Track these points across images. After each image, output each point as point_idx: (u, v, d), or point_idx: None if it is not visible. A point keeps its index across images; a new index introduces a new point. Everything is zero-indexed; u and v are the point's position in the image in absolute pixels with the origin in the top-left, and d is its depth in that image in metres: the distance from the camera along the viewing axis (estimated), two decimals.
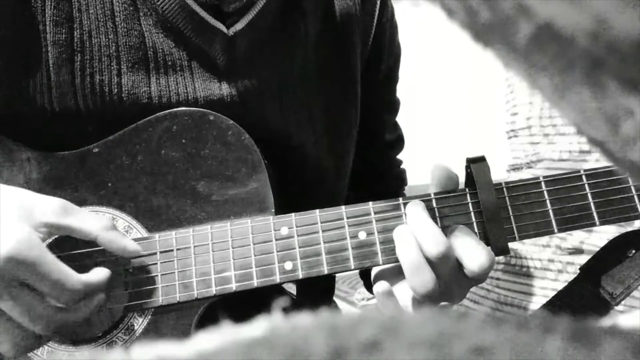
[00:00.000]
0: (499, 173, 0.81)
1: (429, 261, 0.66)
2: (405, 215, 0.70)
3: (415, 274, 0.66)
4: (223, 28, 0.75)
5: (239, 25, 0.76)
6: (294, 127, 0.81)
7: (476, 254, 0.66)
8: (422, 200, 0.71)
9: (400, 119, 1.01)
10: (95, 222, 0.65)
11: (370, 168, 0.96)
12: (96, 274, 0.64)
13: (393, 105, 1.00)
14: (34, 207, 0.63)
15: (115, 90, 0.73)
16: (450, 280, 0.67)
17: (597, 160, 0.98)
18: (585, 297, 0.73)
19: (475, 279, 0.68)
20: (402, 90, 0.99)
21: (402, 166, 1.02)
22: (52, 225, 0.63)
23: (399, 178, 1.02)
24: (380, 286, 0.69)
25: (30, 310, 0.60)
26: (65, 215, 0.64)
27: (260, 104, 0.78)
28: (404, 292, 0.71)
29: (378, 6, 0.89)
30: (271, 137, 0.76)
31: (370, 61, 0.91)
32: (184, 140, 0.73)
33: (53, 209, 0.63)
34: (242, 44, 0.77)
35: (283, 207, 0.74)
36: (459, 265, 0.67)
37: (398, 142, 1.01)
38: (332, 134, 0.86)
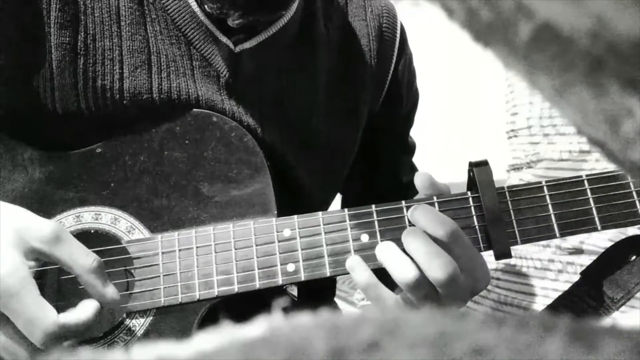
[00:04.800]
0: (499, 173, 0.81)
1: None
2: (407, 217, 0.70)
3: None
4: (229, 43, 0.76)
5: (247, 44, 0.76)
6: (292, 154, 0.81)
7: (436, 222, 0.67)
8: (425, 203, 0.71)
9: None
10: (82, 260, 0.63)
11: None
12: (77, 314, 0.62)
13: (409, 148, 1.02)
14: (26, 231, 0.61)
15: (117, 94, 0.73)
16: (467, 262, 0.67)
17: (597, 160, 0.98)
18: (585, 301, 0.73)
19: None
20: None
21: None
22: (41, 252, 0.62)
23: None
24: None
25: (8, 345, 0.60)
26: (55, 245, 0.62)
27: (260, 125, 0.78)
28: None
29: (395, 55, 0.89)
30: (267, 159, 0.76)
31: (388, 107, 0.91)
32: (187, 142, 0.73)
33: (44, 236, 0.62)
34: (247, 63, 0.77)
35: (285, 208, 0.74)
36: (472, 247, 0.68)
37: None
38: (328, 168, 0.86)
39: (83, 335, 0.64)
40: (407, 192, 0.98)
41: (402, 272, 0.65)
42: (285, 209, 0.74)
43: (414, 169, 1.02)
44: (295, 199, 0.81)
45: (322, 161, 0.85)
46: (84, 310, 0.62)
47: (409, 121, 0.99)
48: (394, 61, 0.90)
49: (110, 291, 0.64)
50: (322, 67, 0.83)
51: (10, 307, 0.59)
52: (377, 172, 0.95)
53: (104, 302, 0.64)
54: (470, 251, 0.67)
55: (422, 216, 0.68)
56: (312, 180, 0.84)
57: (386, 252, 0.68)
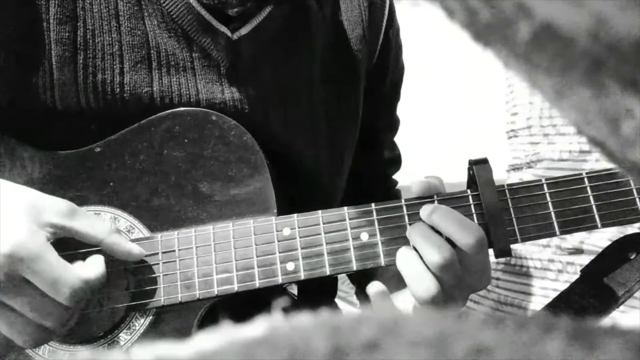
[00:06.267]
0: (499, 173, 0.81)
1: (431, 271, 0.66)
2: (407, 216, 0.70)
3: (418, 283, 0.66)
4: (227, 32, 0.75)
5: (243, 30, 0.76)
6: (296, 137, 0.81)
7: (465, 227, 0.67)
8: (424, 202, 0.71)
9: (400, 118, 1.01)
10: (101, 226, 0.66)
11: (364, 184, 0.95)
12: (95, 269, 0.65)
13: (393, 124, 1.00)
14: (41, 207, 0.63)
15: (118, 89, 0.73)
16: (452, 286, 0.67)
17: (597, 160, 0.98)
18: (585, 299, 0.73)
19: (473, 269, 0.68)
20: (402, 90, 0.99)
21: (397, 187, 1.02)
22: (58, 226, 0.63)
23: (394, 198, 1.00)
24: (374, 287, 0.69)
25: (37, 306, 0.61)
26: (72, 217, 0.64)
27: (263, 111, 0.78)
28: (404, 300, 0.71)
29: (384, 26, 0.89)
30: (272, 145, 0.76)
31: (374, 79, 0.91)
32: (186, 140, 0.73)
33: (60, 210, 0.64)
34: (246, 50, 0.77)
35: (284, 207, 0.74)
36: (460, 271, 0.67)
37: (396, 161, 1.01)
38: (333, 148, 0.86)
39: (98, 290, 0.67)
40: (388, 168, 0.98)
41: (421, 291, 0.66)
42: (290, 199, 0.74)
43: (395, 147, 1.01)
44: (301, 187, 0.81)
45: (327, 141, 0.84)
46: (97, 263, 0.66)
47: (394, 95, 0.98)
48: (383, 30, 0.89)
49: (134, 246, 0.68)
50: (317, 43, 0.83)
51: (35, 269, 0.60)
52: (359, 146, 0.93)
53: (132, 257, 0.68)
54: (458, 280, 0.67)
55: (444, 220, 0.68)
56: (319, 163, 0.83)
57: (407, 266, 0.68)
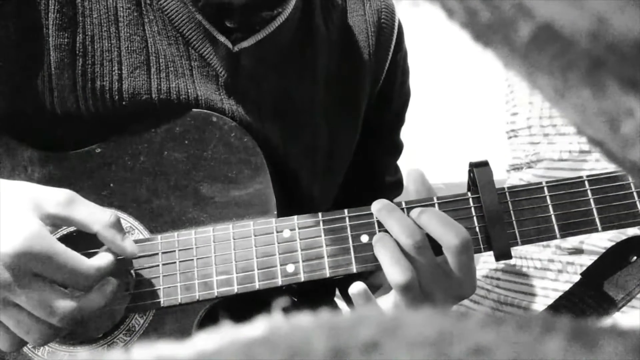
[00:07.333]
0: (499, 173, 0.81)
1: (405, 254, 0.66)
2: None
3: (393, 265, 0.66)
4: (228, 43, 0.76)
5: (245, 43, 0.76)
6: (293, 149, 0.81)
7: (450, 228, 0.67)
8: (425, 204, 0.71)
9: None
10: (99, 216, 0.65)
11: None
12: (102, 259, 0.64)
13: (396, 148, 1.00)
14: (41, 198, 0.63)
15: (116, 95, 0.73)
16: (428, 276, 0.67)
17: (597, 160, 0.98)
18: (586, 302, 0.73)
19: (455, 270, 0.67)
20: None
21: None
22: (56, 216, 0.63)
23: None
24: (356, 287, 0.68)
25: (45, 301, 0.60)
26: (70, 206, 0.64)
27: (261, 124, 0.78)
28: (384, 301, 0.71)
29: (391, 51, 0.89)
30: (269, 157, 0.76)
31: (379, 103, 0.91)
32: (186, 142, 0.73)
33: (58, 200, 0.63)
34: (246, 62, 0.77)
35: (285, 208, 0.74)
36: (437, 262, 0.67)
37: (397, 185, 1.01)
38: (329, 166, 0.86)
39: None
40: (389, 192, 0.98)
41: (396, 274, 0.66)
42: (286, 208, 0.74)
43: (397, 171, 1.02)
44: (295, 198, 0.81)
45: (323, 159, 0.84)
46: (107, 255, 0.65)
47: (398, 120, 0.98)
48: (390, 56, 0.90)
49: (129, 244, 0.67)
50: (321, 65, 0.83)
51: (53, 264, 0.59)
52: (360, 169, 0.94)
53: (125, 254, 0.66)
54: (434, 269, 0.68)
55: (431, 220, 0.68)
56: (312, 179, 0.84)
57: (384, 250, 0.68)
